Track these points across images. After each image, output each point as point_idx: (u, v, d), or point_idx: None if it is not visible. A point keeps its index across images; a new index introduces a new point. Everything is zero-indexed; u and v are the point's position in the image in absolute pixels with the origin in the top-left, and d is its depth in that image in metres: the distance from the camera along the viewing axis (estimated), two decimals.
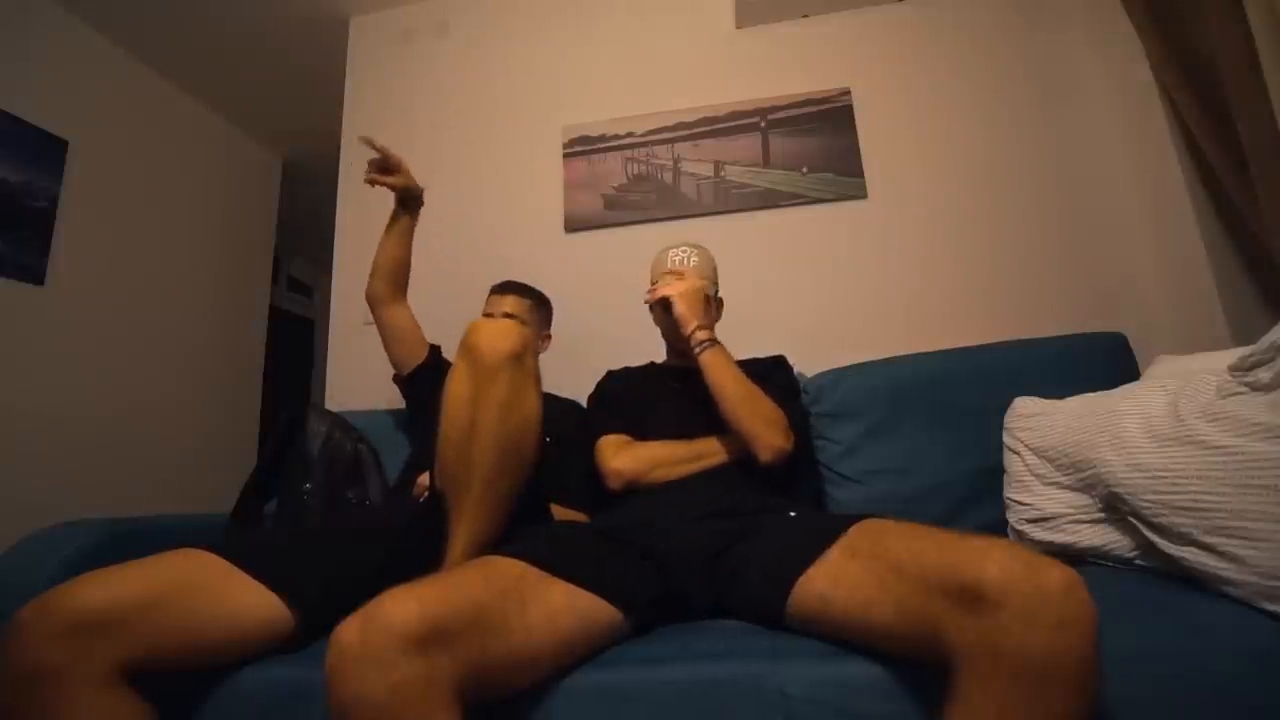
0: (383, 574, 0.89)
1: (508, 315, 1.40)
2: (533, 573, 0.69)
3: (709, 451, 1.11)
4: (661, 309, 1.19)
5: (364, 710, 0.53)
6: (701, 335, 1.12)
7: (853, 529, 0.71)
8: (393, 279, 1.41)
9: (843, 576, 0.66)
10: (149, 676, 0.66)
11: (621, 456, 1.11)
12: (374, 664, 0.53)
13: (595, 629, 0.71)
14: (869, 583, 0.63)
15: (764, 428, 1.07)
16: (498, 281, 1.53)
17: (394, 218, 1.40)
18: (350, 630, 0.55)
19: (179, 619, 0.68)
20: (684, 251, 1.27)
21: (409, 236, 1.42)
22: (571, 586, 0.70)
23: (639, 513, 0.99)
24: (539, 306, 1.51)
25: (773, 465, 1.07)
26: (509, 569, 0.69)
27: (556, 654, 0.66)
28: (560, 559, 0.73)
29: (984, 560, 0.53)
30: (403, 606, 0.56)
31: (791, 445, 1.09)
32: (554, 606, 0.67)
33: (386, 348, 1.43)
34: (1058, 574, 0.51)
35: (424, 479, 1.10)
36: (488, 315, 1.42)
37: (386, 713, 0.53)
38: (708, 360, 1.10)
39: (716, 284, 1.31)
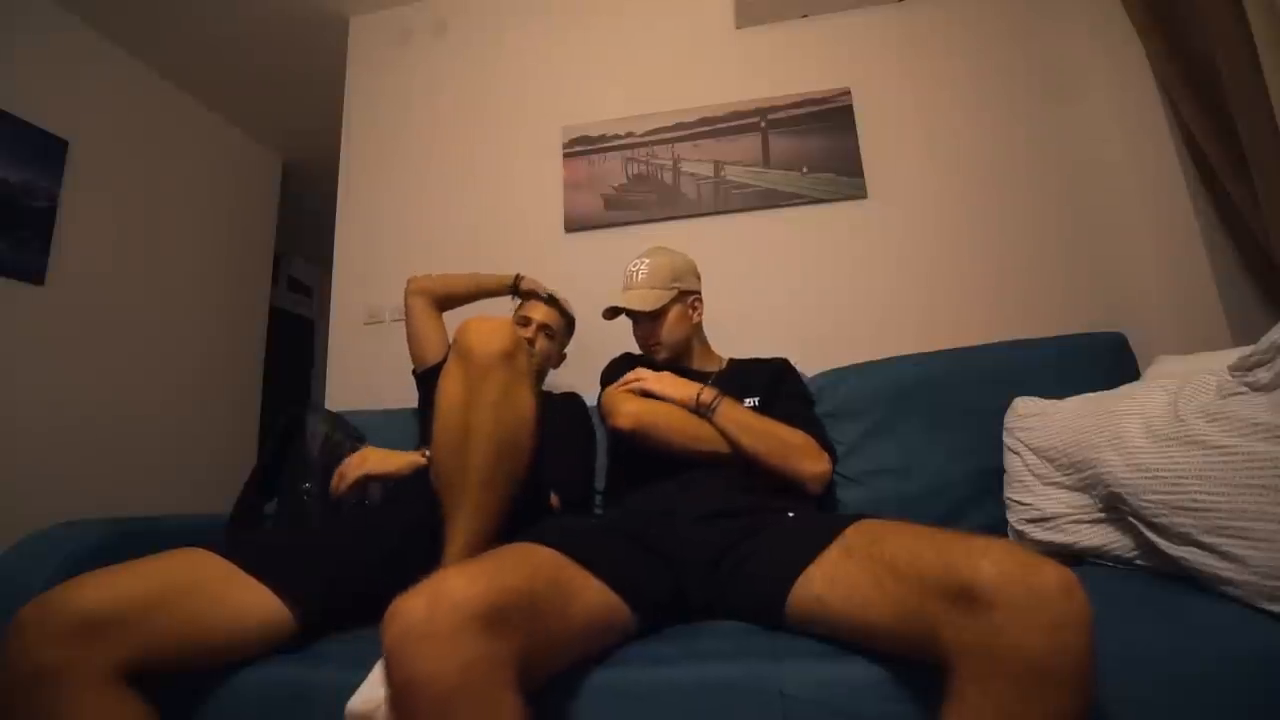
0: (382, 575, 0.89)
1: (542, 325, 1.40)
2: (571, 566, 0.69)
3: (715, 439, 1.08)
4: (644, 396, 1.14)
5: (434, 688, 0.51)
6: (707, 398, 1.09)
7: (849, 529, 0.71)
8: (444, 303, 1.50)
9: (839, 577, 0.66)
10: (149, 677, 0.66)
11: (635, 401, 1.10)
12: (444, 641, 0.51)
13: (615, 627, 0.71)
14: (865, 583, 0.63)
15: (800, 461, 1.05)
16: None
17: (496, 286, 1.52)
18: (416, 607, 0.53)
19: (179, 619, 0.69)
20: (635, 264, 1.26)
21: (483, 298, 1.54)
22: (602, 584, 0.70)
23: (644, 510, 0.99)
24: (568, 326, 1.50)
25: (823, 491, 1.07)
26: (549, 558, 0.68)
27: (585, 649, 0.66)
28: (594, 554, 0.72)
29: (979, 560, 0.53)
30: (471, 585, 0.54)
31: (830, 464, 1.08)
32: (590, 602, 0.67)
33: (409, 338, 1.46)
34: (1053, 574, 0.51)
35: (342, 468, 1.09)
36: (524, 318, 1.42)
37: (458, 693, 0.51)
38: (722, 419, 1.07)
39: (687, 282, 1.26)
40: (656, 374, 1.16)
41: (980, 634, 0.50)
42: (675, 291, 1.24)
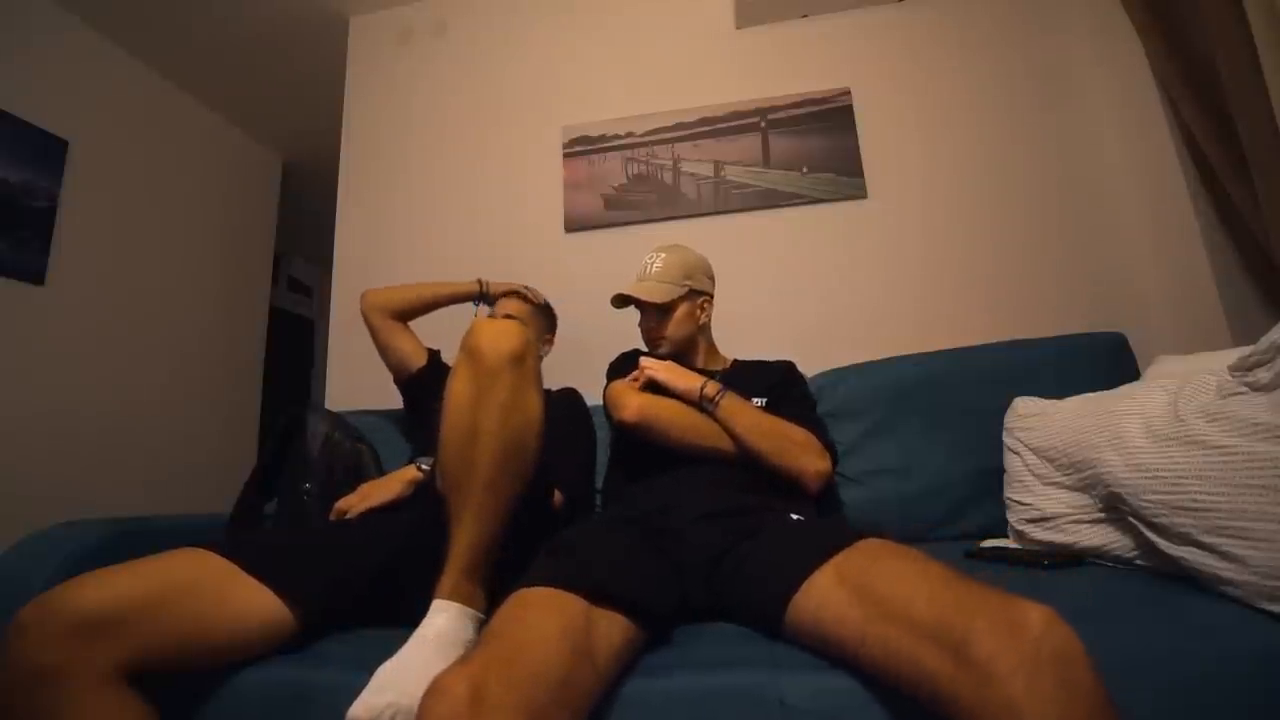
0: (384, 576, 0.89)
1: (508, 316, 1.41)
2: (594, 611, 0.68)
3: (717, 435, 1.09)
4: (651, 390, 1.15)
5: None
6: (710, 392, 1.09)
7: (841, 554, 0.70)
8: (401, 315, 1.46)
9: (832, 606, 0.65)
10: (150, 677, 0.66)
11: (640, 395, 1.11)
12: None
13: (633, 653, 0.71)
14: (857, 618, 0.62)
15: (800, 457, 1.05)
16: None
17: (463, 293, 1.49)
18: (460, 696, 0.53)
19: (180, 619, 0.68)
20: (651, 257, 1.27)
21: (446, 305, 1.51)
22: (625, 620, 0.69)
23: (645, 507, 0.99)
24: (539, 311, 1.52)
25: (823, 490, 1.07)
26: (574, 609, 0.66)
27: (609, 691, 0.66)
28: (616, 587, 0.71)
29: (971, 619, 0.53)
30: (510, 698, 0.54)
31: (830, 463, 1.08)
32: (615, 648, 0.67)
33: (380, 351, 1.45)
34: (1037, 616, 0.51)
35: (341, 504, 1.08)
36: (505, 316, 1.43)
37: None
38: (724, 412, 1.08)
39: (699, 281, 1.26)
40: (663, 363, 1.17)
41: (987, 692, 0.50)
42: (685, 289, 1.24)
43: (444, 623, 0.73)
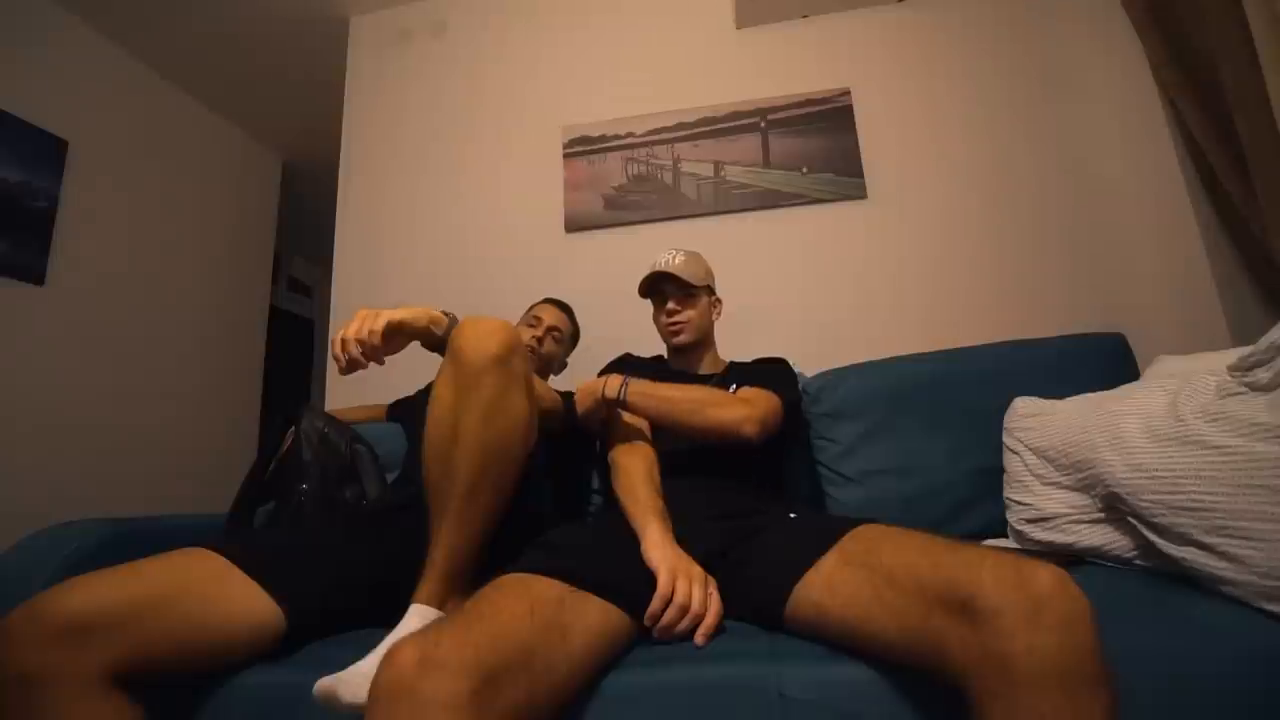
0: (378, 579, 0.88)
1: (552, 328, 1.41)
2: (571, 594, 0.68)
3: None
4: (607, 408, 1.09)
5: None
6: (610, 393, 1.04)
7: (846, 536, 0.70)
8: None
9: (838, 586, 0.66)
10: (140, 680, 0.65)
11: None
12: (427, 708, 0.51)
13: (619, 644, 0.70)
14: (865, 593, 0.62)
15: (714, 412, 1.02)
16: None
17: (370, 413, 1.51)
18: (408, 662, 0.53)
19: (170, 621, 0.68)
20: (670, 253, 1.28)
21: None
22: (605, 604, 0.69)
23: None
24: (574, 335, 1.50)
25: (764, 436, 1.02)
26: (548, 593, 0.66)
27: (589, 676, 0.65)
28: (595, 573, 0.71)
29: (978, 573, 0.53)
30: (463, 651, 0.54)
31: (762, 410, 1.04)
32: (592, 630, 0.66)
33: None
34: (1047, 575, 0.52)
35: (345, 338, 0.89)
36: (534, 318, 1.42)
37: None
38: (633, 398, 1.03)
39: (710, 284, 1.31)
40: (579, 393, 1.12)
41: (990, 645, 0.50)
42: (706, 285, 1.28)
43: (418, 625, 0.72)
